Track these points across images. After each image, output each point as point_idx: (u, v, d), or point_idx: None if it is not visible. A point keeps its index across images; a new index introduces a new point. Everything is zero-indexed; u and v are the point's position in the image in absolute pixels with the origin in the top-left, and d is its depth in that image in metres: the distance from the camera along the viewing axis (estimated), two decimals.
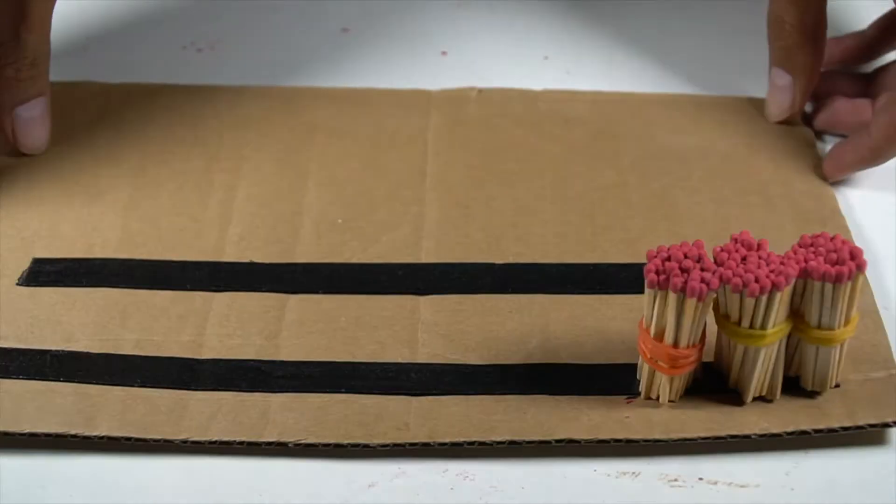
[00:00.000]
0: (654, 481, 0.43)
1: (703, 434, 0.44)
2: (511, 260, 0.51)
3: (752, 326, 0.43)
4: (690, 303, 0.42)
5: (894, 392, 0.45)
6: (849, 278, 0.42)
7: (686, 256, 0.42)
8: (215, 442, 0.43)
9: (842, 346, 0.44)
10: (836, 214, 0.53)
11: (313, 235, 0.52)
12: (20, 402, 0.44)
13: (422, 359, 0.47)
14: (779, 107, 0.57)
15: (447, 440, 0.44)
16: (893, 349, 0.47)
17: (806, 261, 0.42)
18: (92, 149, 0.56)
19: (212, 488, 0.43)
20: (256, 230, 0.52)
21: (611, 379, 0.46)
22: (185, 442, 0.43)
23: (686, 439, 0.44)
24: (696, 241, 0.43)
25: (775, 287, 0.41)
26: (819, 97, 0.59)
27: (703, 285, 0.41)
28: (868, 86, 0.58)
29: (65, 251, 0.51)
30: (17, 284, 0.50)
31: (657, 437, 0.44)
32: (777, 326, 0.43)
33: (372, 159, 0.56)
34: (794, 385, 0.45)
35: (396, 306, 0.49)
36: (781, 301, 0.42)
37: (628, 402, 0.45)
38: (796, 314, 0.44)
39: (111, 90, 0.59)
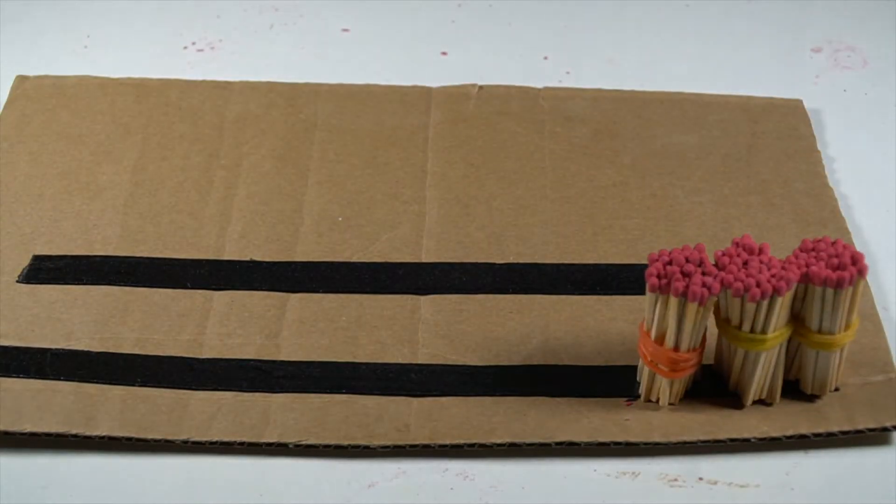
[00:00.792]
0: (654, 481, 0.43)
1: (702, 437, 0.44)
2: (511, 259, 0.51)
3: (752, 331, 0.43)
4: (692, 307, 0.42)
5: (893, 396, 0.45)
6: (850, 283, 0.42)
7: (688, 260, 0.42)
8: (216, 442, 0.43)
9: (842, 350, 0.44)
10: (836, 215, 0.53)
11: (314, 233, 0.52)
12: (20, 401, 0.44)
13: (422, 359, 0.47)
14: None
15: (447, 442, 0.44)
16: (893, 352, 0.47)
17: (807, 265, 0.42)
18: (92, 145, 0.56)
19: (212, 488, 0.43)
20: (257, 228, 0.52)
21: (611, 381, 0.46)
22: (185, 442, 0.43)
23: (685, 442, 0.44)
24: (697, 245, 0.42)
25: (776, 292, 0.41)
26: None
27: (705, 290, 0.41)
28: None
29: (65, 248, 0.51)
30: (18, 282, 0.49)
31: (657, 439, 0.44)
32: (778, 331, 0.43)
33: (372, 157, 0.56)
34: (794, 388, 0.45)
35: (397, 306, 0.49)
36: (782, 306, 0.42)
37: (627, 405, 0.45)
38: (797, 318, 0.44)
39: (111, 86, 0.59)
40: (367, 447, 0.43)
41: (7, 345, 0.47)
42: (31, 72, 0.60)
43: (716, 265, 0.43)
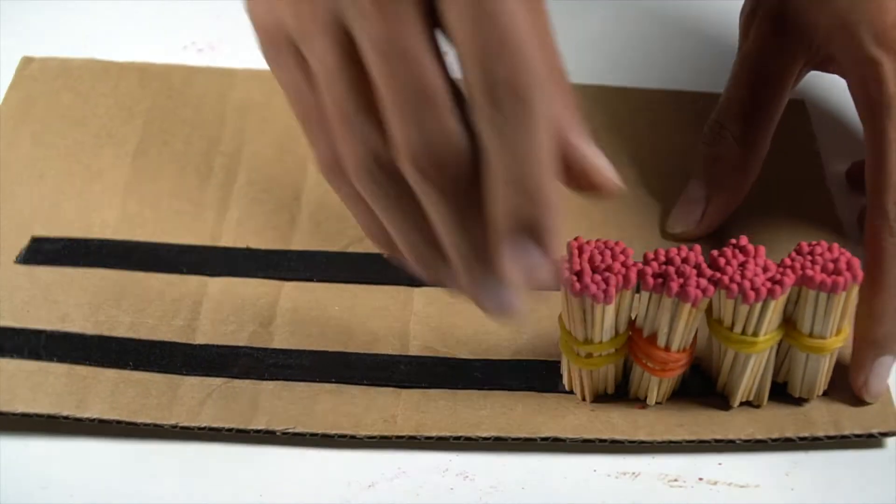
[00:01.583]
0: (654, 481, 0.44)
1: (688, 437, 0.44)
2: None
3: (744, 332, 0.43)
4: (685, 308, 0.42)
5: (881, 402, 0.45)
6: (844, 288, 0.42)
7: (683, 261, 0.42)
8: (205, 428, 0.44)
9: (832, 355, 0.44)
10: (833, 219, 0.53)
11: (311, 222, 0.52)
12: (14, 381, 0.45)
13: (413, 351, 0.47)
14: (683, 220, 0.52)
15: (434, 434, 0.44)
16: None
17: (803, 269, 0.42)
18: (93, 129, 0.56)
19: (212, 490, 0.43)
20: (254, 215, 0.52)
21: None
22: (174, 427, 0.44)
23: (671, 441, 0.44)
24: (693, 246, 0.43)
25: (771, 295, 0.41)
26: None
27: (699, 291, 0.41)
28: None
29: (63, 230, 0.51)
30: (16, 262, 0.50)
31: (642, 438, 0.44)
32: (769, 334, 0.43)
33: None
34: (782, 391, 0.46)
35: (390, 297, 0.49)
36: (775, 309, 0.42)
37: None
38: (788, 321, 0.44)
39: (115, 69, 0.59)
40: (353, 437, 0.44)
41: (2, 325, 0.47)
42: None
43: (710, 265, 0.43)
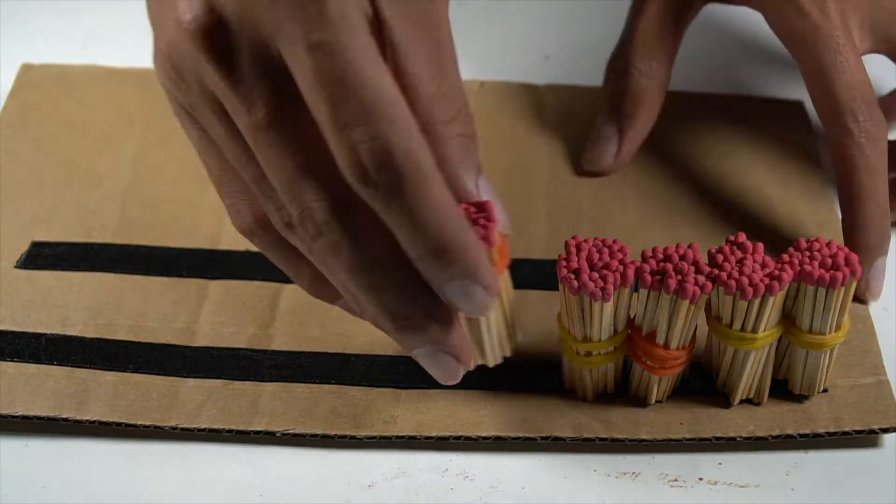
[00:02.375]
0: (654, 481, 0.43)
1: (688, 435, 0.44)
2: None
3: (743, 329, 0.43)
4: (683, 305, 0.42)
5: (882, 398, 0.45)
6: (843, 284, 0.42)
7: (682, 258, 0.42)
8: (205, 429, 0.44)
9: (832, 351, 0.44)
10: (831, 217, 0.53)
11: None
12: (13, 384, 0.45)
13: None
14: (602, 157, 0.54)
15: (433, 434, 0.44)
16: (884, 354, 0.47)
17: (801, 265, 0.42)
18: (93, 134, 0.56)
19: (211, 489, 0.43)
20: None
21: None
22: (174, 428, 0.44)
23: (671, 440, 0.44)
24: (691, 244, 0.43)
25: (769, 291, 0.41)
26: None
27: (698, 288, 0.41)
28: None
29: (63, 235, 0.51)
30: (16, 267, 0.50)
31: (642, 436, 0.44)
32: (769, 330, 0.43)
33: None
34: (783, 388, 0.46)
35: None
36: (774, 305, 0.42)
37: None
38: (788, 318, 0.44)
39: (115, 76, 0.59)
40: (353, 437, 0.44)
41: (2, 329, 0.47)
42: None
43: (709, 262, 0.43)
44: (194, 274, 0.50)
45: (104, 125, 0.57)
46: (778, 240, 0.51)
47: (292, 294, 0.49)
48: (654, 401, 0.45)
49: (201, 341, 0.47)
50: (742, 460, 0.44)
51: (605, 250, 0.42)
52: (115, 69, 0.60)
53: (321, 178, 0.35)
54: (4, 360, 0.46)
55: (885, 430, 0.44)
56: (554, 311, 0.49)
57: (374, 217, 0.35)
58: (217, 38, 0.35)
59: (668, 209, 0.54)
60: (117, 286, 0.49)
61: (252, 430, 0.44)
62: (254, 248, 0.51)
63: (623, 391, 0.46)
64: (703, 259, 0.42)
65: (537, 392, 0.46)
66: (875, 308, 0.49)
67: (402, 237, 0.34)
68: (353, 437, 0.44)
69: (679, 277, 0.41)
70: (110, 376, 0.46)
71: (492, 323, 0.41)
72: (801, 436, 0.44)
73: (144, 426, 0.44)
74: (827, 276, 0.42)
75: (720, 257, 0.42)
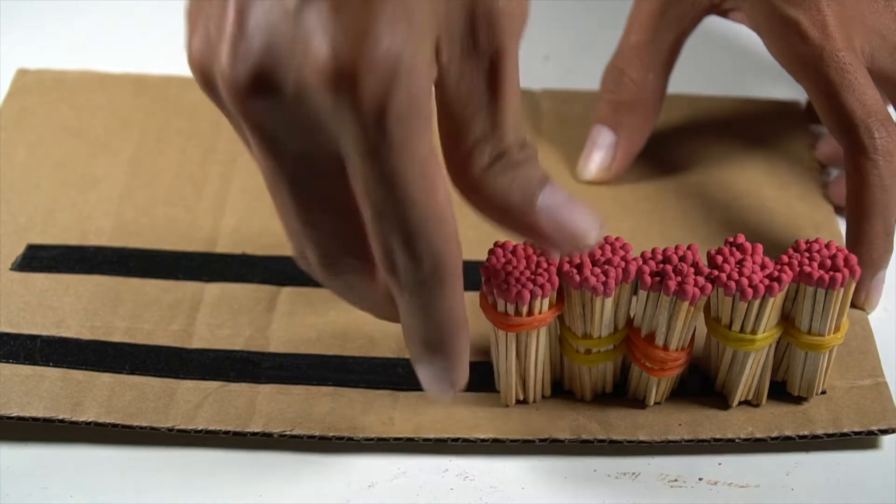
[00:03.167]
0: (654, 481, 0.43)
1: (687, 437, 0.44)
2: None
3: (742, 330, 0.43)
4: (683, 306, 0.42)
5: (880, 400, 0.45)
6: (842, 285, 0.42)
7: (681, 260, 0.42)
8: (201, 431, 0.44)
9: (830, 352, 0.44)
10: (830, 219, 0.53)
11: None
12: (8, 385, 0.45)
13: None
14: (597, 166, 0.54)
15: (431, 436, 0.44)
16: (883, 354, 0.47)
17: (800, 266, 0.42)
18: (88, 139, 0.56)
19: (212, 489, 0.43)
20: (250, 222, 0.52)
21: None
22: (171, 430, 0.44)
23: (670, 441, 0.44)
24: (690, 245, 0.43)
25: (769, 292, 0.41)
26: None
27: (697, 290, 0.41)
28: None
29: (59, 238, 0.51)
30: (11, 270, 0.50)
31: (641, 438, 0.44)
32: (768, 331, 0.43)
33: None
34: (781, 390, 0.45)
35: None
36: (774, 306, 0.42)
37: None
38: (787, 319, 0.44)
39: (111, 81, 0.59)
40: (350, 439, 0.44)
41: None
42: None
43: (708, 264, 0.43)
44: (190, 277, 0.50)
45: (100, 129, 0.57)
46: (776, 240, 0.51)
47: (289, 296, 0.49)
48: (652, 402, 0.45)
49: (197, 343, 0.47)
50: (742, 460, 0.44)
51: (608, 247, 0.42)
52: (111, 74, 0.60)
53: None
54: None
55: (884, 432, 0.44)
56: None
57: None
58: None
59: (666, 211, 0.53)
60: (113, 289, 0.49)
61: (249, 432, 0.44)
62: (250, 251, 0.51)
63: (621, 391, 0.45)
64: (703, 260, 0.42)
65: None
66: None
67: (404, 321, 0.38)
68: (350, 439, 0.44)
69: (679, 279, 0.41)
70: (106, 378, 0.45)
71: (540, 362, 0.43)
72: (800, 437, 0.44)
73: (141, 427, 0.44)
74: (826, 277, 0.42)
75: (720, 258, 0.42)
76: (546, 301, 0.41)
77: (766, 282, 0.41)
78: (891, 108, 0.51)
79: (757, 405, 0.45)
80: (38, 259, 0.50)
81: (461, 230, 0.52)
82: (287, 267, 0.50)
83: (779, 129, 0.58)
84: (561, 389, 0.46)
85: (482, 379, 0.46)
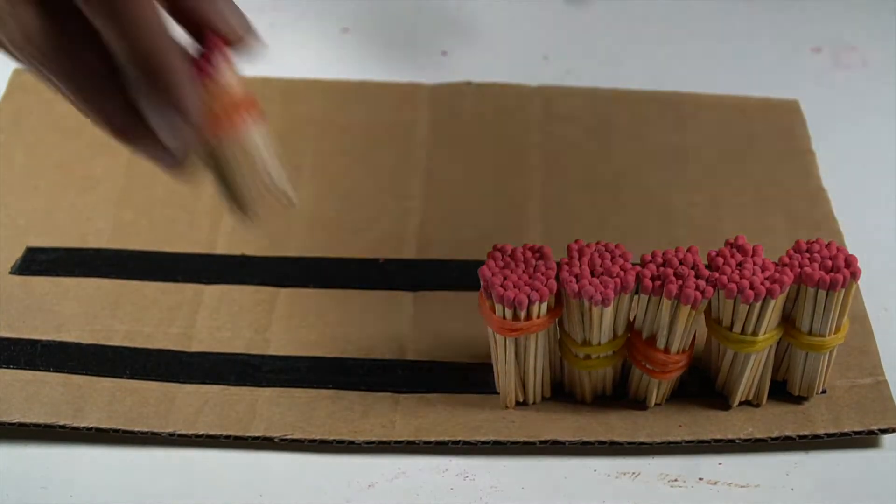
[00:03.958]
0: (654, 481, 0.43)
1: (687, 438, 0.44)
2: None
3: (743, 332, 0.43)
4: (684, 309, 0.42)
5: (880, 399, 0.45)
6: (843, 286, 0.42)
7: (681, 262, 0.42)
8: (202, 435, 0.44)
9: (831, 352, 0.44)
10: (828, 217, 0.53)
11: (305, 229, 0.52)
12: (9, 391, 0.45)
13: (410, 356, 0.47)
14: None
15: (432, 438, 0.44)
16: (883, 353, 0.47)
17: (801, 267, 0.42)
18: (87, 139, 0.56)
19: (212, 488, 0.43)
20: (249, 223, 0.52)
21: None
22: (172, 435, 0.44)
23: (670, 442, 0.44)
24: (691, 248, 0.42)
25: (770, 294, 0.41)
26: None
27: (699, 293, 0.41)
28: None
29: (58, 240, 0.51)
30: (10, 273, 0.50)
31: (642, 439, 0.44)
32: (769, 333, 0.43)
33: (365, 153, 0.56)
34: (781, 389, 0.45)
35: (386, 302, 0.49)
36: (775, 307, 0.42)
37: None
38: (787, 320, 0.43)
39: None
40: (351, 442, 0.44)
41: None
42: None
43: (708, 265, 0.42)
44: (190, 279, 0.50)
45: (98, 131, 0.57)
46: (774, 241, 0.51)
47: (288, 298, 0.49)
48: (653, 404, 0.45)
49: (197, 346, 0.47)
50: (742, 460, 0.44)
51: (607, 255, 0.42)
52: None
53: None
54: (0, 368, 0.46)
55: (884, 431, 0.44)
56: None
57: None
58: None
59: (664, 210, 0.53)
60: (113, 291, 0.49)
61: (250, 436, 0.44)
62: (250, 253, 0.51)
63: (621, 393, 0.45)
64: (703, 262, 0.42)
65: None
66: (874, 308, 0.49)
67: (116, 55, 0.35)
68: (351, 443, 0.44)
69: (680, 282, 0.41)
70: (107, 382, 0.45)
71: (539, 365, 0.43)
72: (801, 437, 0.44)
73: (142, 432, 0.44)
74: (827, 278, 0.42)
75: (720, 260, 0.42)
76: (544, 305, 0.41)
77: (767, 284, 0.41)
78: None
79: (757, 405, 0.45)
80: (37, 262, 0.50)
81: (461, 230, 0.53)
82: (286, 268, 0.50)
83: (777, 126, 0.58)
84: (561, 391, 0.46)
85: (482, 381, 0.46)
